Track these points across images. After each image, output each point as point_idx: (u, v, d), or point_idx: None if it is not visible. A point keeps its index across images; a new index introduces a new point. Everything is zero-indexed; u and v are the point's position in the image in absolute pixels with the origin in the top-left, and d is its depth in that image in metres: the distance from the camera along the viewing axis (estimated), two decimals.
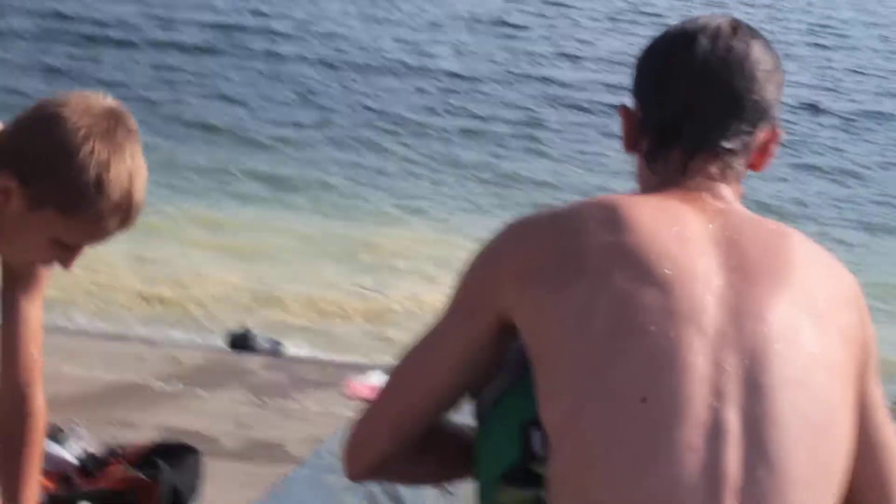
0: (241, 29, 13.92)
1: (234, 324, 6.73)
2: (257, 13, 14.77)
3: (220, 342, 6.38)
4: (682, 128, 1.30)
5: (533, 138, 11.15)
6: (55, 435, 2.90)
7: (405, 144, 10.75)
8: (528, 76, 13.15)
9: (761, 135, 1.33)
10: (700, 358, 1.14)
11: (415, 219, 9.32)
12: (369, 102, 11.96)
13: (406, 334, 1.59)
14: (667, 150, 1.31)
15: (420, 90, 12.47)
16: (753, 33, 1.35)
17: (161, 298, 7.53)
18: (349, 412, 4.38)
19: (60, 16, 13.40)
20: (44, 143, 1.52)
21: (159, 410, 4.06)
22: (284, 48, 13.52)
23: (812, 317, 1.20)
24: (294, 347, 6.88)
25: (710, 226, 1.23)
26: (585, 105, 12.06)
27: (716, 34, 1.31)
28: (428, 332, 1.30)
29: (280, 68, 12.74)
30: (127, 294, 7.43)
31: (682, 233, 1.22)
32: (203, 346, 6.30)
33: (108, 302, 7.27)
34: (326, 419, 4.20)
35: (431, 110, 11.88)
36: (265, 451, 3.51)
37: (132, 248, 8.14)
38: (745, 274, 1.20)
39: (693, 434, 1.11)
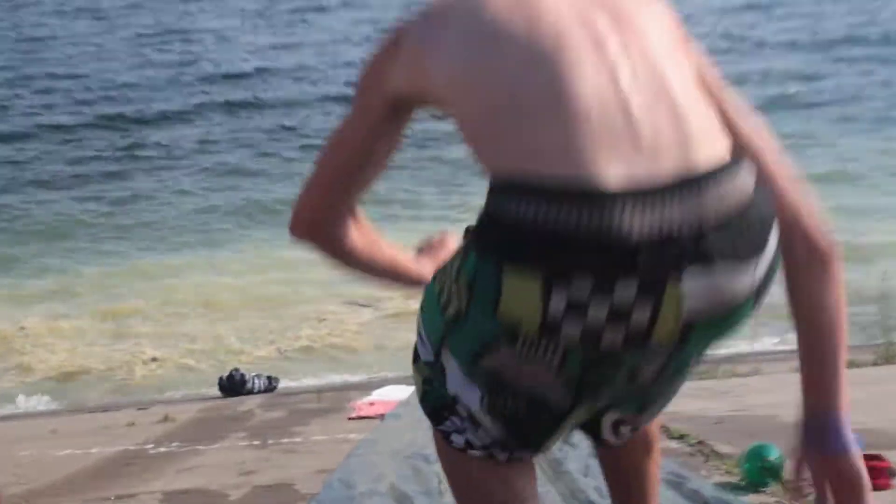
0: None
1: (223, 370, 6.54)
2: None
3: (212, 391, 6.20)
4: None
5: None
6: None
7: None
8: None
9: None
10: (566, 11, 1.36)
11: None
12: None
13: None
14: None
15: None
16: None
17: (149, 360, 7.35)
18: (356, 435, 4.20)
19: None
20: None
21: (158, 476, 3.84)
22: None
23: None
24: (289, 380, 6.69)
25: None
26: None
27: None
28: (337, 128, 1.55)
29: None
30: (113, 362, 7.23)
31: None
32: (195, 398, 6.12)
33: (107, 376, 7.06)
34: (333, 447, 4.01)
35: None
36: (273, 496, 3.32)
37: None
38: None
39: (587, 55, 1.31)
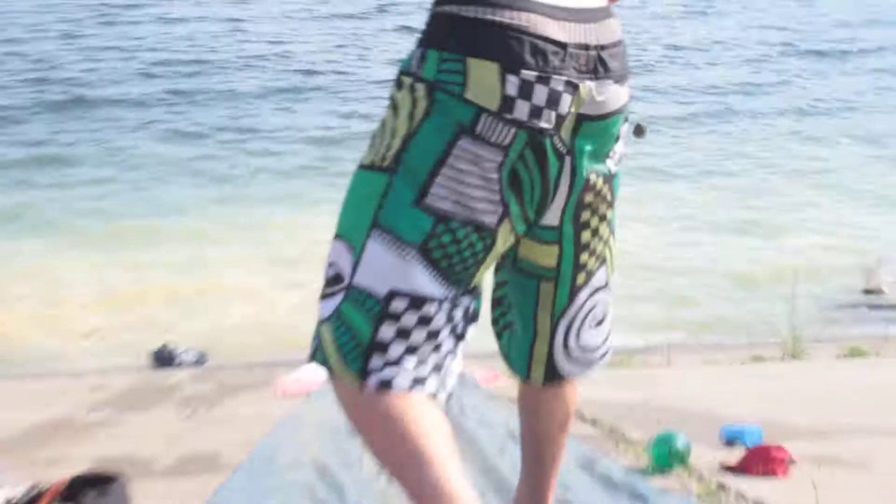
0: None
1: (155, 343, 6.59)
2: None
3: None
4: None
5: None
6: None
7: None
8: None
9: None
10: None
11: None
12: None
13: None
14: None
15: None
16: None
17: (82, 329, 7.37)
18: (282, 411, 4.31)
19: None
20: None
21: (88, 441, 3.93)
22: None
23: None
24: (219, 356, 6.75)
25: None
26: None
27: None
28: None
29: None
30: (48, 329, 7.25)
31: None
32: (127, 369, 6.16)
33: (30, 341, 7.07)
34: (260, 421, 4.11)
35: None
36: (199, 465, 3.42)
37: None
38: None
39: None
